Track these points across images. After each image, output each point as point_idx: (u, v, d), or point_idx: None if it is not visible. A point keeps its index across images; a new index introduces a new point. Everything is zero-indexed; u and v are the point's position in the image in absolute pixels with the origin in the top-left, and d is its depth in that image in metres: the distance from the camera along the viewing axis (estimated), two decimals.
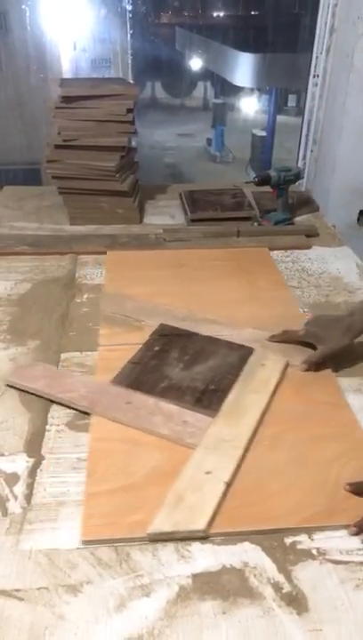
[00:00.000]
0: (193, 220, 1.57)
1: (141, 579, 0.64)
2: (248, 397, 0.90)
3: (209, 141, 5.95)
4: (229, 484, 0.74)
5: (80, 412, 0.88)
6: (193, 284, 1.26)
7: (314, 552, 0.67)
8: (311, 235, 1.51)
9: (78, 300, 1.21)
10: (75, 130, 1.48)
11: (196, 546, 0.68)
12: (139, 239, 1.47)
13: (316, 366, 0.97)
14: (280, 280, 1.30)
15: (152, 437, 0.82)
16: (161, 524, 0.69)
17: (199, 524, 0.68)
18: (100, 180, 1.50)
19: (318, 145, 1.98)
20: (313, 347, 0.99)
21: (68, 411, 0.89)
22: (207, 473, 0.75)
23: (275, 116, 5.38)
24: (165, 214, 1.68)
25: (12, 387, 0.93)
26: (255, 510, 0.72)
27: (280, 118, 5.63)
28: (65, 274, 1.31)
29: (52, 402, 0.90)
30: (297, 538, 0.69)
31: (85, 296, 1.22)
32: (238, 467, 0.77)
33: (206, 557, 0.67)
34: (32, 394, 0.91)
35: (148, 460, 0.78)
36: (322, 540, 0.69)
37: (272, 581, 0.64)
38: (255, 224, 1.55)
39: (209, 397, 0.90)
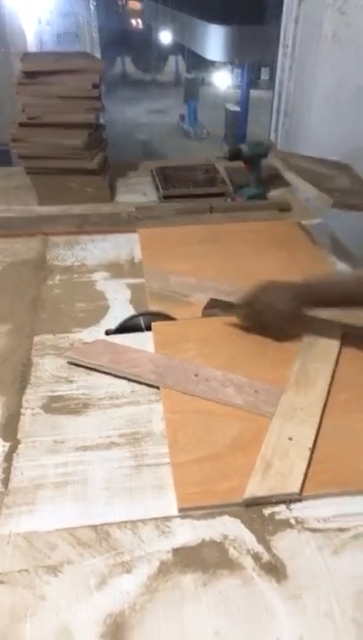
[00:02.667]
0: (165, 197, 1.55)
1: (121, 556, 0.64)
2: (313, 366, 0.91)
3: (182, 117, 5.87)
4: (312, 450, 0.75)
5: (149, 385, 0.89)
6: (231, 259, 1.26)
7: (292, 522, 0.68)
8: (285, 209, 1.50)
9: (50, 283, 1.18)
10: (39, 107, 1.44)
11: (175, 521, 0.68)
12: (110, 218, 1.45)
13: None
14: (316, 251, 1.30)
15: (226, 408, 0.83)
16: (255, 489, 0.70)
17: (294, 487, 0.70)
18: (68, 159, 1.47)
19: (289, 117, 1.96)
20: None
21: (43, 394, 0.88)
22: (290, 439, 0.77)
23: (248, 90, 5.31)
24: (136, 192, 1.65)
25: (73, 364, 0.93)
26: (341, 473, 0.74)
27: (254, 92, 5.55)
28: (35, 256, 1.28)
29: (108, 374, 0.91)
30: (276, 509, 0.70)
31: (57, 278, 1.20)
32: (318, 433, 0.78)
33: (186, 532, 0.67)
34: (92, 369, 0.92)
35: (227, 430, 0.79)
36: (300, 510, 0.70)
37: (252, 552, 0.65)
38: (228, 200, 1.54)
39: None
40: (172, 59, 7.51)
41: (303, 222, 1.45)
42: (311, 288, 0.95)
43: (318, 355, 0.94)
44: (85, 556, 0.64)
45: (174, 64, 7.54)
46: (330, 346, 0.97)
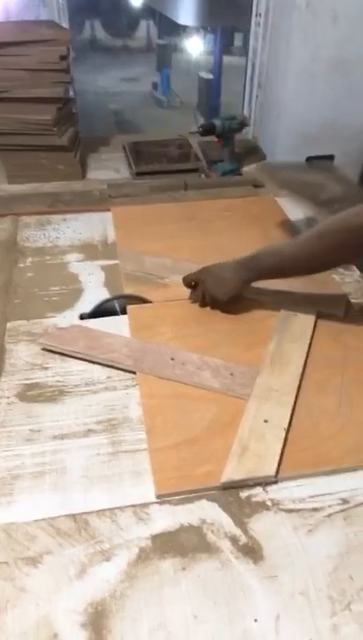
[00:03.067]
0: (138, 174, 1.52)
1: (100, 544, 0.65)
2: (288, 347, 0.92)
3: (155, 85, 5.72)
4: (287, 431, 0.76)
5: (125, 370, 0.88)
6: (207, 237, 1.25)
7: (268, 503, 0.70)
8: (259, 185, 1.49)
9: (22, 265, 1.16)
10: (5, 80, 1.38)
11: (154, 507, 0.69)
12: (82, 196, 1.42)
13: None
14: (290, 229, 1.28)
15: (202, 391, 0.84)
16: (232, 472, 0.71)
17: (270, 470, 0.71)
18: (37, 135, 1.43)
19: (263, 89, 1.92)
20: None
21: (18, 382, 0.87)
22: (265, 421, 0.78)
23: (221, 56, 5.18)
24: (108, 168, 1.62)
25: (48, 350, 0.91)
26: (316, 452, 0.75)
27: (227, 59, 5.43)
28: (6, 237, 1.25)
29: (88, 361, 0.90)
30: (252, 491, 0.71)
31: (29, 260, 1.18)
32: (292, 413, 0.79)
33: (165, 518, 0.68)
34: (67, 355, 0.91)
35: (204, 413, 0.80)
36: (275, 492, 0.71)
37: (229, 535, 0.66)
38: (202, 175, 1.52)
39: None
40: (143, 23, 7.28)
41: (278, 198, 1.44)
42: (255, 258, 0.95)
43: (293, 333, 0.95)
44: (65, 545, 0.64)
45: (146, 29, 7.31)
46: (305, 324, 0.97)
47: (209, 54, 6.03)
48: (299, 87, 1.79)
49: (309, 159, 1.94)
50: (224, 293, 0.97)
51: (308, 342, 0.93)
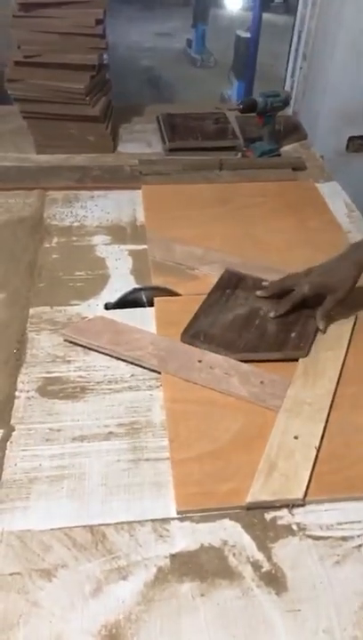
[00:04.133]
0: (171, 150, 1.44)
1: (117, 561, 0.62)
2: (323, 355, 0.87)
3: (189, 43, 5.48)
4: (318, 449, 0.73)
5: (148, 369, 0.84)
6: (241, 225, 1.18)
7: (294, 528, 0.66)
8: (298, 168, 1.41)
9: (47, 245, 1.12)
10: (37, 44, 1.31)
11: (174, 524, 0.66)
12: (112, 172, 1.35)
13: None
14: (332, 220, 1.22)
15: (229, 399, 0.80)
16: (258, 493, 0.67)
17: (297, 492, 0.68)
18: (68, 104, 1.35)
19: (308, 61, 1.80)
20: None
21: (39, 375, 0.84)
22: (295, 438, 0.74)
23: (260, 14, 4.91)
24: (140, 141, 1.54)
25: (70, 341, 0.88)
26: (347, 475, 0.71)
27: (266, 17, 5.16)
28: (32, 213, 1.21)
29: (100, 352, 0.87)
30: (278, 513, 0.68)
31: (55, 240, 1.13)
32: (324, 430, 0.75)
33: (185, 536, 0.65)
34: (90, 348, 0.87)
35: (230, 424, 0.76)
36: (302, 515, 0.68)
37: (251, 560, 0.63)
38: (239, 155, 1.44)
39: (290, 352, 0.87)
40: None
41: (317, 184, 1.36)
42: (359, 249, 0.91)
43: (329, 340, 0.90)
44: (81, 559, 0.62)
45: None
46: (343, 329, 0.92)
47: (248, 10, 5.75)
48: (347, 61, 1.69)
49: (351, 139, 1.84)
50: (347, 292, 0.90)
51: (344, 351, 0.88)
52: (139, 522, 0.66)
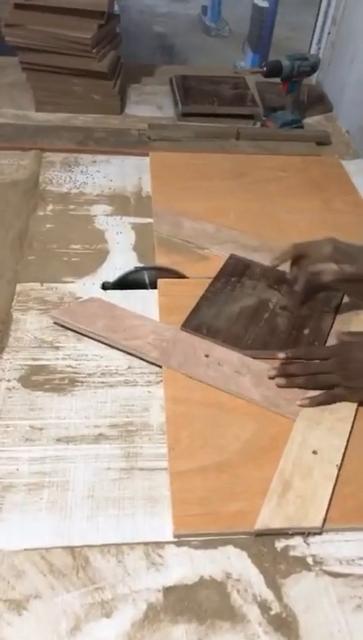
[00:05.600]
0: (184, 115, 1.31)
1: (101, 593, 0.53)
2: None
3: (204, 10, 5.24)
4: (340, 467, 0.63)
5: (148, 362, 0.74)
6: (258, 201, 1.06)
7: (309, 561, 0.57)
8: (323, 142, 1.28)
9: (41, 213, 1.00)
10: None
11: (170, 549, 0.57)
12: (118, 135, 1.23)
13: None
14: (359, 201, 1.09)
15: (239, 401, 0.70)
16: (269, 518, 0.58)
17: (315, 519, 0.58)
18: (72, 56, 1.22)
19: (337, 26, 1.65)
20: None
21: (22, 362, 0.73)
22: (314, 453, 0.64)
23: None
24: (151, 103, 1.41)
25: (60, 325, 0.78)
26: None
27: None
28: (27, 176, 1.08)
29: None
30: (290, 541, 0.58)
31: (50, 208, 1.01)
32: (347, 444, 0.66)
33: (182, 565, 0.55)
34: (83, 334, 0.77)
35: (239, 431, 0.66)
36: (318, 545, 0.58)
37: (259, 599, 0.53)
38: (258, 124, 1.31)
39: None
40: None
41: (343, 161, 1.24)
42: None
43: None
44: (58, 589, 0.53)
45: None
46: None
47: None
48: None
49: None
50: None
51: None
52: (128, 544, 0.57)
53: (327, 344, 0.77)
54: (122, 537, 0.57)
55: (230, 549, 0.57)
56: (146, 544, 0.57)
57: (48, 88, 1.29)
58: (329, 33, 1.67)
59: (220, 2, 5.13)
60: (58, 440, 0.65)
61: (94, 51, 1.21)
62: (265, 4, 4.75)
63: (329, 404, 0.70)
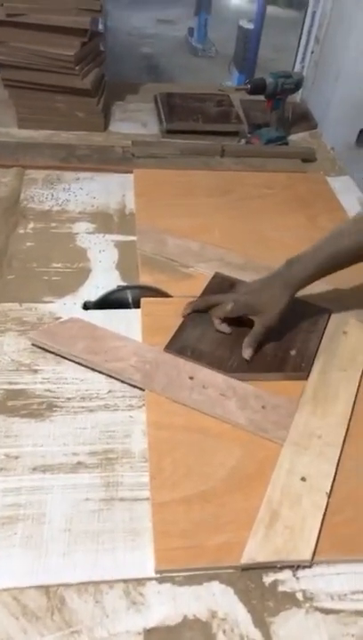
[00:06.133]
0: (169, 132, 1.30)
1: (77, 637, 0.49)
2: (335, 375, 0.74)
3: (191, 31, 5.32)
4: (329, 495, 0.60)
5: (130, 384, 0.71)
6: (243, 218, 1.05)
7: (299, 596, 0.54)
8: (308, 159, 1.27)
9: (21, 231, 0.97)
10: (22, 1, 1.15)
11: (151, 587, 0.53)
12: (101, 152, 1.21)
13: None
14: (345, 218, 1.08)
15: (225, 426, 0.67)
16: (257, 551, 0.55)
17: (304, 551, 0.55)
18: (55, 73, 1.20)
19: (320, 45, 1.66)
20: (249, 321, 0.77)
21: None
22: (303, 479, 0.61)
23: (265, 5, 4.77)
24: (135, 121, 1.40)
25: (38, 347, 0.74)
26: None
27: (270, 10, 5.01)
28: (7, 194, 1.06)
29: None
30: (279, 576, 0.55)
31: (31, 226, 0.99)
32: (337, 470, 0.63)
33: (164, 604, 0.52)
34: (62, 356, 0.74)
35: (225, 458, 0.63)
36: (309, 579, 0.55)
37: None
38: (243, 141, 1.30)
39: (288, 374, 0.74)
40: None
41: (328, 178, 1.23)
42: (289, 268, 0.76)
43: (343, 358, 0.77)
44: (30, 633, 0.49)
45: None
46: (357, 345, 0.79)
47: (252, 3, 5.59)
48: None
49: (362, 132, 1.71)
50: (279, 312, 0.75)
51: (360, 372, 0.75)
52: (107, 582, 0.53)
53: (318, 363, 0.75)
54: (100, 574, 0.53)
55: (216, 585, 0.54)
56: (126, 581, 0.53)
57: (31, 105, 1.27)
58: (312, 52, 1.68)
59: (206, 23, 5.21)
60: (34, 469, 0.62)
61: (77, 68, 1.20)
62: (250, 26, 4.85)
63: (259, 339, 0.74)
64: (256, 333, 0.75)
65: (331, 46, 1.63)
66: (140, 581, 0.53)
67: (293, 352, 0.76)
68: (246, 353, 0.75)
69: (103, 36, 1.35)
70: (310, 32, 1.68)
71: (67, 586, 0.52)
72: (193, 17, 5.43)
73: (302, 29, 1.71)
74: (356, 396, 0.72)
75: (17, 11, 1.15)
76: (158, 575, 0.54)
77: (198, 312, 0.80)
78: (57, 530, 0.56)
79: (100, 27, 1.41)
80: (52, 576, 0.53)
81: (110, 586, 0.53)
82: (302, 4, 1.68)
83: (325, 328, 0.81)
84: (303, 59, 1.73)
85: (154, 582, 0.54)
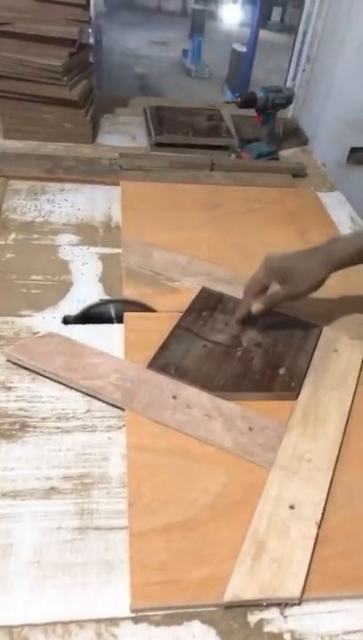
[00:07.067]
0: (158, 145, 1.28)
1: None
2: (326, 395, 0.70)
3: (185, 53, 5.40)
4: (319, 525, 0.56)
5: (110, 404, 0.67)
6: (232, 233, 1.02)
7: (287, 638, 0.49)
8: (298, 175, 1.26)
9: (2, 242, 0.94)
10: (9, 10, 1.13)
11: (126, 627, 0.48)
12: (88, 164, 1.18)
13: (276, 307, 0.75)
14: (336, 234, 1.05)
15: (209, 448, 0.63)
16: (241, 587, 0.50)
17: (293, 588, 0.50)
18: (43, 84, 1.18)
19: (311, 63, 1.66)
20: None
21: None
22: (291, 508, 0.57)
23: (257, 29, 4.86)
24: (124, 133, 1.38)
25: (14, 363, 0.70)
26: (357, 562, 0.54)
27: (262, 33, 5.10)
28: None
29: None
30: (265, 614, 0.50)
31: (12, 237, 0.95)
32: (328, 497, 0.59)
33: None
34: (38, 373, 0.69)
35: (209, 483, 0.59)
36: (297, 618, 0.51)
37: None
38: (233, 155, 1.28)
39: (277, 393, 0.70)
40: None
41: (319, 193, 1.21)
42: (332, 245, 0.75)
43: (334, 377, 0.74)
44: None
45: None
46: (350, 363, 0.76)
47: (245, 26, 5.69)
48: (355, 65, 1.55)
49: (353, 150, 1.70)
50: (310, 286, 0.73)
51: (352, 391, 0.72)
52: (78, 622, 0.48)
53: (308, 382, 0.72)
54: (70, 613, 0.49)
55: (196, 625, 0.49)
56: (98, 621, 0.49)
57: (17, 116, 1.25)
58: (304, 70, 1.68)
59: (200, 45, 5.29)
60: (3, 495, 0.57)
61: (65, 79, 1.18)
62: (243, 49, 4.92)
63: (276, 305, 0.74)
64: (277, 295, 0.73)
65: (322, 65, 1.63)
66: (113, 621, 0.49)
67: (282, 370, 0.73)
68: (256, 307, 0.74)
69: (92, 47, 1.34)
70: (301, 50, 1.68)
71: (32, 626, 0.48)
72: (187, 39, 5.52)
73: (293, 47, 1.71)
74: (348, 417, 0.69)
75: (4, 20, 1.13)
76: (134, 614, 0.49)
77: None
78: (24, 562, 0.52)
79: (91, 39, 1.40)
80: (17, 615, 0.48)
81: (80, 626, 0.48)
82: (294, 28, 1.69)
83: (315, 345, 0.78)
84: (295, 76, 1.73)
85: (129, 622, 0.49)
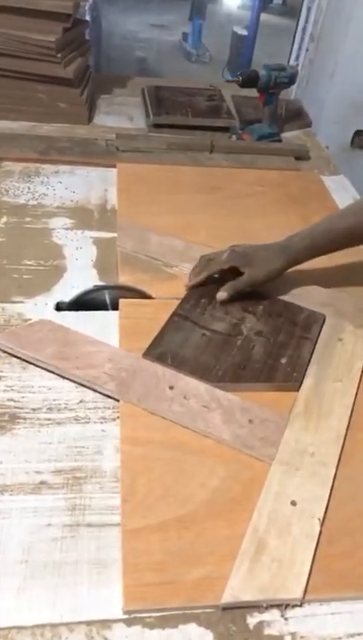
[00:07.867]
0: (156, 126, 1.24)
1: None
2: (330, 386, 0.68)
3: (185, 36, 5.30)
4: (322, 522, 0.53)
5: (104, 394, 0.64)
6: (232, 217, 0.99)
7: None
8: (301, 157, 1.22)
9: None
10: None
11: (118, 629, 0.46)
12: (83, 145, 1.14)
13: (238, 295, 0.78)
14: None
15: (207, 441, 0.60)
16: (240, 588, 0.48)
17: (294, 589, 0.48)
18: (35, 61, 1.14)
19: (315, 42, 1.61)
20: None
21: None
22: (293, 504, 0.54)
23: (259, 12, 4.77)
24: (121, 114, 1.34)
25: (4, 351, 0.67)
26: (361, 561, 0.51)
27: (264, 17, 5.00)
28: None
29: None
30: (265, 616, 0.48)
31: (3, 220, 0.92)
32: (331, 493, 0.56)
33: None
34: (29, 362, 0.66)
35: (207, 478, 0.56)
36: (299, 620, 0.48)
37: None
38: (234, 137, 1.24)
39: (279, 384, 0.67)
40: None
41: (322, 177, 1.17)
42: (289, 240, 0.80)
43: (338, 368, 0.71)
44: None
45: None
46: (354, 353, 0.73)
47: (246, 9, 5.59)
48: (360, 45, 1.50)
49: (357, 133, 1.66)
50: (268, 273, 0.77)
51: (357, 383, 0.69)
52: (67, 625, 0.46)
53: (300, 372, 0.69)
54: (60, 615, 0.46)
55: (193, 628, 0.47)
56: (89, 623, 0.46)
57: (10, 94, 1.20)
58: (307, 50, 1.63)
59: (200, 29, 5.19)
60: None
61: (59, 55, 1.13)
62: (244, 33, 4.83)
63: (238, 291, 0.76)
64: (240, 281, 0.77)
65: (327, 44, 1.58)
66: (105, 623, 0.46)
67: (284, 360, 0.70)
68: (221, 295, 0.76)
69: (88, 24, 1.29)
70: (304, 29, 1.63)
71: (20, 629, 0.45)
72: (187, 22, 5.42)
73: (296, 26, 1.66)
74: (352, 409, 0.66)
75: None
76: (127, 616, 0.47)
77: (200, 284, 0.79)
78: (12, 561, 0.49)
79: (87, 16, 1.35)
80: (4, 617, 0.46)
81: (70, 629, 0.46)
82: (296, 11, 1.63)
83: (319, 335, 0.75)
84: (298, 56, 1.68)
85: (121, 624, 0.46)
